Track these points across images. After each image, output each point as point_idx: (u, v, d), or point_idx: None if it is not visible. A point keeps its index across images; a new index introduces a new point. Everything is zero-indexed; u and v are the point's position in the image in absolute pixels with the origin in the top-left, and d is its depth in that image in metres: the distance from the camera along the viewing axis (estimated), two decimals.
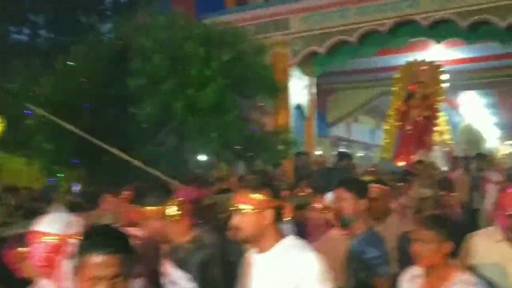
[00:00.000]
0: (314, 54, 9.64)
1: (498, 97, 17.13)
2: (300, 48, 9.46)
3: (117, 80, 6.40)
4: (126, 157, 4.28)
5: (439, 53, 10.26)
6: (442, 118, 12.51)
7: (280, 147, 8.42)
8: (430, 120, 10.17)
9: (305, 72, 10.32)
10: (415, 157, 8.66)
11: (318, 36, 9.29)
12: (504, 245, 2.70)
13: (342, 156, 9.69)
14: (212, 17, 9.60)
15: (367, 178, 4.59)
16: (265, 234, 2.19)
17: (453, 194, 5.78)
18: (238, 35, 7.80)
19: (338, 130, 16.38)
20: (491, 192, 6.45)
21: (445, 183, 5.95)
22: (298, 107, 10.16)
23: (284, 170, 8.27)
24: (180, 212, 2.55)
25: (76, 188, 6.86)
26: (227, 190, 4.15)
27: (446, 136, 12.40)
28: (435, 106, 10.31)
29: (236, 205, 2.18)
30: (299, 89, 10.18)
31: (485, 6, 7.86)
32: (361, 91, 14.55)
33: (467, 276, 2.35)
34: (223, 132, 6.30)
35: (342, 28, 9.04)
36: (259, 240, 2.20)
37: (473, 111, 18.16)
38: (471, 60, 11.50)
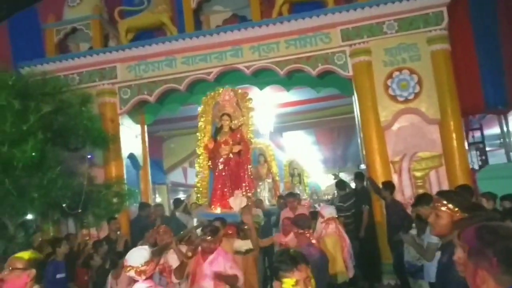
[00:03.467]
0: (144, 102, 9.53)
1: (317, 135, 19.09)
2: (129, 96, 9.24)
3: None
4: None
5: (263, 97, 10.88)
6: (270, 152, 13.11)
7: (114, 200, 8.06)
8: (243, 155, 8.34)
9: (136, 120, 10.14)
10: (232, 200, 7.74)
11: (147, 85, 9.18)
12: None
13: (176, 203, 9.57)
14: (31, 66, 8.98)
15: None
16: None
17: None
18: (60, 85, 7.38)
19: (175, 176, 16.38)
20: (318, 226, 6.83)
21: None
22: (131, 157, 9.85)
23: (118, 224, 7.85)
24: None
25: None
26: None
27: (274, 171, 12.95)
28: (246, 139, 8.47)
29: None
30: (131, 138, 9.90)
31: (298, 56, 8.72)
32: (194, 136, 14.75)
33: None
34: (46, 191, 5.75)
35: (170, 77, 9.11)
36: None
37: (297, 149, 19.80)
38: (292, 103, 12.57)
